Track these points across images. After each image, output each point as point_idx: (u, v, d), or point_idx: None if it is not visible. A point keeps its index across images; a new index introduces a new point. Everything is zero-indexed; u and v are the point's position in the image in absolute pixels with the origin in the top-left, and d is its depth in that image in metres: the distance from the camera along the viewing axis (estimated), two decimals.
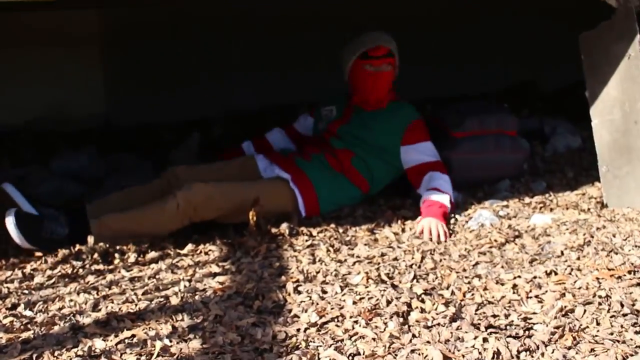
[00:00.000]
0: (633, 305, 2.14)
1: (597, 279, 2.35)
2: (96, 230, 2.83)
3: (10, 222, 2.76)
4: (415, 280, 2.42)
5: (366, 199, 3.34)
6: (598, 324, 2.06)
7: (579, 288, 2.29)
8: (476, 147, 3.41)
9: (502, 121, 3.50)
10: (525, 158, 3.60)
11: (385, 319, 2.11)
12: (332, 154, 3.27)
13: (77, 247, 2.80)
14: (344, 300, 2.26)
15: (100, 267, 2.68)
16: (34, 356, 1.97)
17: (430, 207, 3.03)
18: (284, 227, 2.96)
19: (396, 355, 1.93)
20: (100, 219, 2.86)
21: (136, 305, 2.29)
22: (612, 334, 2.00)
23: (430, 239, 2.86)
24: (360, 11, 3.74)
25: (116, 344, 2.02)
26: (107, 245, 2.79)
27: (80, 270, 2.65)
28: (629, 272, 2.37)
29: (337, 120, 3.37)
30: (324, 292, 2.35)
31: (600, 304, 2.17)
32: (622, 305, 2.14)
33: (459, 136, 3.41)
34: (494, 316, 2.13)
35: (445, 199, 3.07)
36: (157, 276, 2.58)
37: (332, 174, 3.22)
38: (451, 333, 2.02)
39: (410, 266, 2.57)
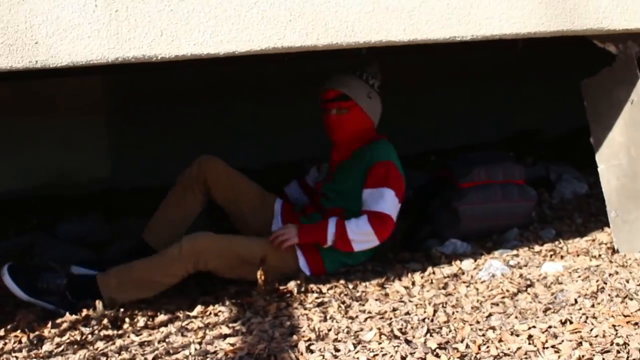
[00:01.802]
0: None
1: (614, 326, 2.31)
2: (101, 283, 2.82)
3: (6, 276, 2.80)
4: (429, 335, 2.38)
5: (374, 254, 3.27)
6: None
7: (596, 336, 2.26)
8: (483, 197, 3.40)
9: (509, 170, 3.50)
10: (533, 206, 3.58)
11: None
12: (325, 213, 3.16)
13: (85, 312, 2.78)
14: (358, 358, 2.22)
15: (110, 332, 2.65)
16: None
17: (311, 226, 3.06)
18: (292, 285, 2.94)
19: None
20: (106, 272, 2.87)
21: None
22: None
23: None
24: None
25: None
26: (116, 310, 2.76)
27: (89, 336, 2.62)
28: None
29: (321, 180, 3.30)
30: (337, 350, 2.31)
31: (618, 352, 2.14)
32: None
33: (466, 186, 3.40)
34: None
35: (329, 230, 2.99)
36: (167, 340, 2.55)
37: None
38: None
39: (423, 320, 2.53)
